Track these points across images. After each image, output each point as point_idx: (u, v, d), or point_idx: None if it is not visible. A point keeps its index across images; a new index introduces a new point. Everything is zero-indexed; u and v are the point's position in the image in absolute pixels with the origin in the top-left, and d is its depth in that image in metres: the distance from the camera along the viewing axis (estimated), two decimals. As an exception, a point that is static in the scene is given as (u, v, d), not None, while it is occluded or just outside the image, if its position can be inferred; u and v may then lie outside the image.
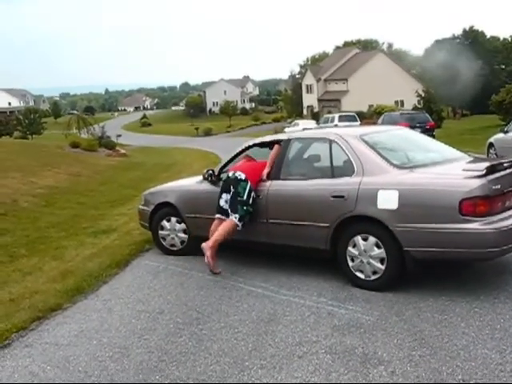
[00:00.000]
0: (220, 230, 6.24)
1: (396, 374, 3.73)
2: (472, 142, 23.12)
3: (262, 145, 6.95)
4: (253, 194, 6.23)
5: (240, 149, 7.01)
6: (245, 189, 6.17)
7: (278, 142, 6.62)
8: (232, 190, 6.26)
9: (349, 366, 3.91)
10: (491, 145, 16.53)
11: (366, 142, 5.80)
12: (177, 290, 5.98)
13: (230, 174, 6.40)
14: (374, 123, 31.02)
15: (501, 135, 16.10)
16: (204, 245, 6.26)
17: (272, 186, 6.27)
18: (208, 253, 6.18)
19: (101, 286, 6.32)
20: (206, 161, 22.79)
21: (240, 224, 6.20)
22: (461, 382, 3.56)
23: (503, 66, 59.19)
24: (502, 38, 73.37)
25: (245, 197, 6.16)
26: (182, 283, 6.19)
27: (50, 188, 13.99)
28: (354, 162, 5.65)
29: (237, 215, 6.16)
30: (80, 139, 30.47)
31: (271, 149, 6.69)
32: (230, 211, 6.24)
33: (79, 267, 7.00)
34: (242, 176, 6.25)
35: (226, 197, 6.35)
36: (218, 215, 6.44)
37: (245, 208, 6.17)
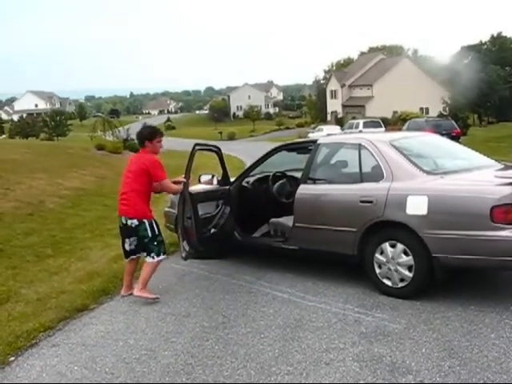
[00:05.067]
0: (144, 274, 5.92)
1: (425, 384, 3.67)
2: (498, 150, 22.77)
3: (291, 148, 6.93)
4: (154, 224, 5.95)
5: (266, 152, 7.01)
6: (146, 230, 5.89)
7: (312, 141, 6.55)
8: (135, 236, 6.00)
9: (377, 374, 3.86)
10: (519, 152, 16.30)
11: (396, 148, 5.73)
12: (202, 293, 5.98)
13: (129, 222, 5.92)
14: (399, 129, 30.77)
15: (529, 143, 15.86)
16: (136, 293, 5.88)
17: (300, 189, 6.24)
18: (143, 295, 5.87)
19: (126, 287, 6.33)
20: (229, 165, 22.73)
21: (162, 258, 5.98)
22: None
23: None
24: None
25: (150, 234, 5.89)
26: (207, 287, 6.18)
27: (75, 190, 14.12)
28: (383, 167, 5.59)
29: (153, 253, 5.92)
30: (105, 141, 30.54)
31: (299, 153, 6.67)
32: (145, 254, 5.98)
33: (105, 268, 7.06)
34: (135, 222, 5.89)
35: (129, 241, 6.06)
36: (129, 258, 6.13)
37: (155, 243, 5.92)
